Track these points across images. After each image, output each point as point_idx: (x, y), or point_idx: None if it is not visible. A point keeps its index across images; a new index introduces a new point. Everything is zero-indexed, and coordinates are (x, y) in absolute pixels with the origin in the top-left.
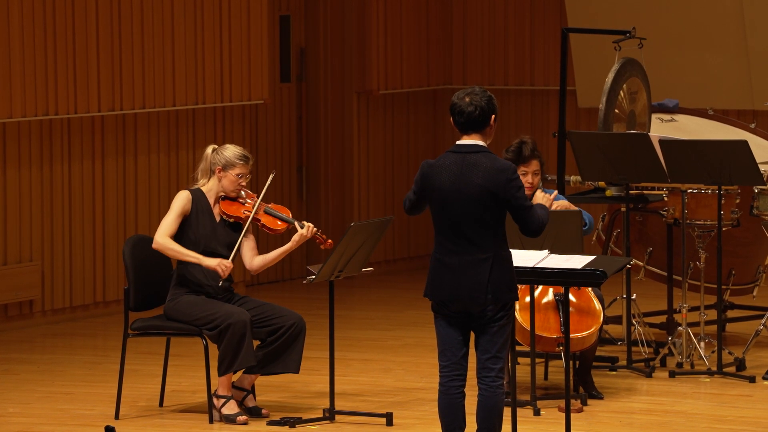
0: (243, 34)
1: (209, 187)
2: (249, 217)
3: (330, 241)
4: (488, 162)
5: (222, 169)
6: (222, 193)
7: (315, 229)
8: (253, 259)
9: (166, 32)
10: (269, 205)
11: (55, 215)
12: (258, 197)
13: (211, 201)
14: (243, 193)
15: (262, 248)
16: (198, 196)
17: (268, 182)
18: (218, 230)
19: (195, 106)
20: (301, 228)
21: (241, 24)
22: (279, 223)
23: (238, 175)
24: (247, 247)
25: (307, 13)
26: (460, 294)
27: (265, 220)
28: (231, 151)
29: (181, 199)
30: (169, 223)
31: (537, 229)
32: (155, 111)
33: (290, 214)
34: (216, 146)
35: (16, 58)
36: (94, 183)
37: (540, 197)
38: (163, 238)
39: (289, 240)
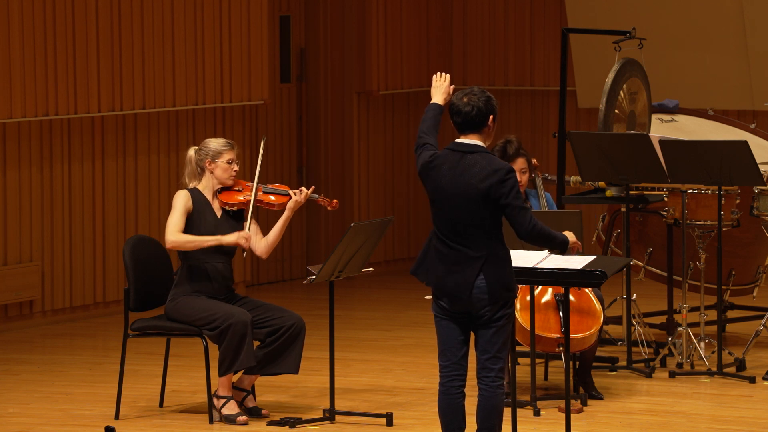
0: (243, 34)
1: (204, 185)
2: (250, 201)
3: (335, 200)
4: (484, 162)
5: (212, 161)
6: (218, 187)
7: (308, 192)
8: (258, 243)
9: (166, 32)
10: (266, 185)
11: (55, 215)
12: (254, 180)
13: (209, 197)
14: (237, 181)
15: (265, 226)
16: (196, 194)
17: (261, 149)
18: (221, 224)
19: (195, 106)
20: (295, 195)
21: (241, 24)
22: (280, 198)
23: (228, 161)
24: (253, 233)
25: (307, 13)
26: (445, 286)
27: (265, 199)
28: (214, 142)
29: (183, 197)
30: (176, 220)
31: (526, 234)
32: (155, 111)
33: (289, 189)
34: (196, 147)
35: (16, 58)
36: (94, 183)
37: (572, 239)
38: (175, 235)
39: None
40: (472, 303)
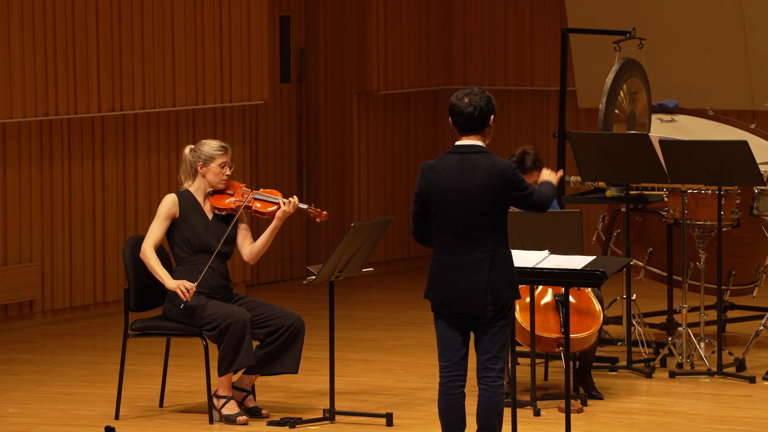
0: (243, 34)
1: (196, 186)
2: (239, 207)
3: (325, 212)
4: (488, 162)
5: (203, 165)
6: (210, 189)
7: (296, 202)
8: (246, 248)
9: (166, 32)
10: (258, 191)
11: (55, 215)
12: (250, 188)
13: (201, 199)
14: (230, 184)
15: (255, 233)
16: (186, 197)
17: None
18: (211, 226)
19: (195, 106)
20: (284, 205)
21: (241, 24)
22: (269, 206)
23: (220, 165)
24: (242, 237)
25: (307, 13)
26: (460, 294)
27: (255, 205)
28: (208, 145)
29: (167, 204)
30: (155, 230)
31: (543, 209)
32: (155, 111)
33: (281, 195)
34: (192, 146)
35: (16, 58)
36: (94, 183)
37: (546, 174)
38: (150, 250)
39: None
40: (475, 303)
